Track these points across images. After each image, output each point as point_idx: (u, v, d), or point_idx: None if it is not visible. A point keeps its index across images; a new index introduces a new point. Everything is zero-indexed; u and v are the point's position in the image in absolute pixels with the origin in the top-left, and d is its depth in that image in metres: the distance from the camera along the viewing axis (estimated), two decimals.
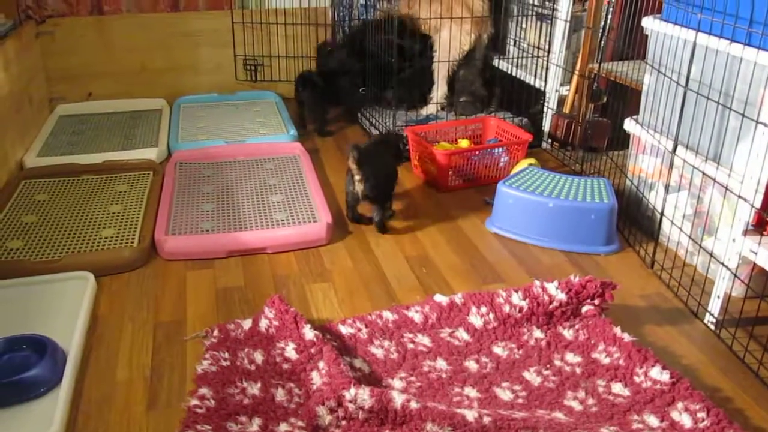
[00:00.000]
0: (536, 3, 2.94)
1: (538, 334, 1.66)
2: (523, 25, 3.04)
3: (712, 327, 1.73)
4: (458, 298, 1.74)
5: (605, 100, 2.74)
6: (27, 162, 2.62)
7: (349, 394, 1.37)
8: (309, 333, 1.61)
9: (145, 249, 2.03)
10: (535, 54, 2.92)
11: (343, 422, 1.35)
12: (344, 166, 2.76)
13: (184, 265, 2.01)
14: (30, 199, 2.34)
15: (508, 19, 3.18)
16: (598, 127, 2.75)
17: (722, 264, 1.71)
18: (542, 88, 2.89)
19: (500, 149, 2.59)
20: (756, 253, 1.61)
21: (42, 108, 3.11)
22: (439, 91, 3.04)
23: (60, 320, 1.69)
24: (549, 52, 2.82)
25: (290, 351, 1.58)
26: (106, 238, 2.10)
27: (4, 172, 2.46)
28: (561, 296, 1.70)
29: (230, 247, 2.06)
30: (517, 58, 3.07)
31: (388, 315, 1.72)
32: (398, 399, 1.37)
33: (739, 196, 1.66)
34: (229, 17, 3.40)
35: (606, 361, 1.57)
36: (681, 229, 1.99)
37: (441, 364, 1.56)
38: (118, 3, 3.34)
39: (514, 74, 3.08)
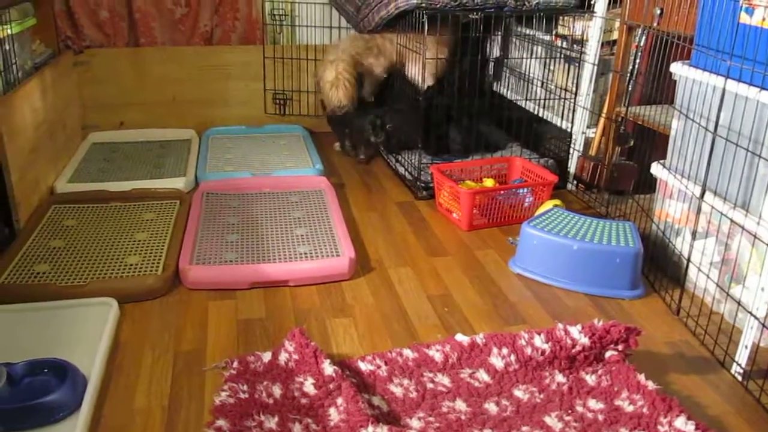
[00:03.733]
0: (564, 46, 2.96)
1: (560, 378, 1.64)
2: (551, 67, 3.06)
3: (739, 377, 1.69)
4: (479, 339, 1.73)
5: (632, 143, 2.74)
6: (58, 187, 2.68)
7: None
8: (328, 368, 1.60)
9: (168, 277, 2.05)
10: (563, 96, 2.93)
11: None
12: (369, 202, 2.78)
13: (206, 295, 2.02)
14: (59, 224, 2.38)
15: (535, 60, 3.20)
16: (625, 171, 2.73)
17: (750, 313, 1.68)
18: (569, 130, 2.89)
19: (525, 189, 2.59)
20: None
21: (75, 135, 3.17)
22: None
23: (82, 345, 1.70)
24: (576, 94, 2.83)
25: (309, 386, 1.57)
26: (131, 265, 2.12)
27: (36, 197, 2.51)
28: (584, 340, 1.67)
29: (253, 279, 2.07)
30: (545, 99, 3.09)
31: (408, 353, 1.71)
32: None
33: None
34: (261, 52, 3.46)
35: (629, 408, 1.53)
36: (708, 276, 1.96)
37: (460, 405, 1.54)
38: (153, 36, 3.42)
39: (541, 115, 3.09)
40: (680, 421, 1.46)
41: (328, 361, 1.62)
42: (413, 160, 2.86)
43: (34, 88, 2.60)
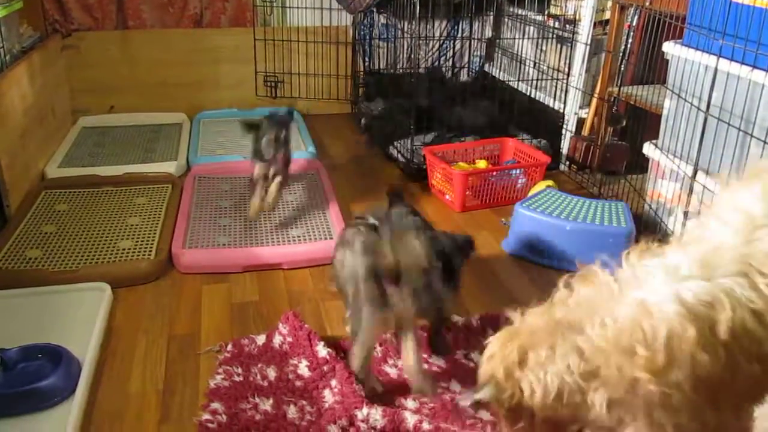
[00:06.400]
0: (557, 26, 2.95)
1: None
2: (543, 48, 3.05)
3: None
4: (474, 320, 1.73)
5: (624, 123, 2.74)
6: (48, 172, 2.66)
7: (362, 413, 1.37)
8: (322, 350, 1.60)
9: (161, 262, 2.04)
10: (555, 76, 2.92)
11: None
12: (362, 184, 2.77)
13: (200, 279, 2.02)
14: (50, 209, 2.37)
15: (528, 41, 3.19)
16: (617, 151, 2.74)
17: None
18: (561, 110, 2.89)
19: (518, 171, 2.58)
20: None
21: (65, 119, 3.15)
22: None
23: (76, 330, 1.70)
24: (569, 74, 2.82)
25: (303, 368, 1.58)
26: (123, 249, 2.11)
27: (26, 182, 2.49)
28: None
29: (246, 262, 2.07)
30: (537, 80, 3.08)
31: None
32: (411, 420, 1.36)
33: None
34: (251, 34, 3.43)
35: None
36: None
37: (455, 386, 1.55)
38: (142, 18, 3.39)
39: (533, 96, 3.08)
40: None
41: (322, 343, 1.63)
42: (406, 143, 2.85)
43: (23, 72, 2.57)
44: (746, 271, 0.96)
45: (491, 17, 3.51)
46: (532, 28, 3.12)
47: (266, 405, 1.46)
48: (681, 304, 0.93)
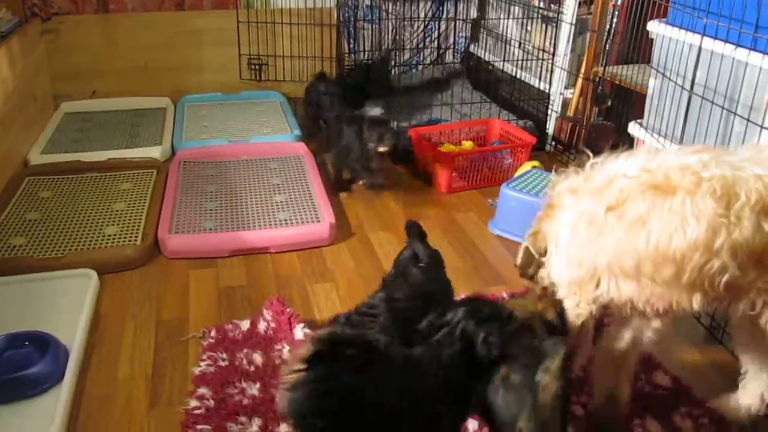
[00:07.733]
0: (542, 5, 2.94)
1: None
2: (528, 28, 3.04)
3: (714, 332, 1.72)
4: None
5: (609, 103, 2.74)
6: (31, 159, 2.63)
7: None
8: (299, 333, 1.61)
9: (148, 247, 2.03)
10: (540, 57, 2.91)
11: None
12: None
13: (186, 264, 2.01)
14: (34, 196, 2.35)
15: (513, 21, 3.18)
16: (603, 131, 2.74)
17: None
18: (547, 91, 2.89)
19: (504, 151, 2.59)
20: None
21: (46, 105, 3.11)
22: None
23: (62, 317, 1.69)
24: (554, 54, 2.82)
25: (287, 352, 1.58)
26: (109, 235, 2.10)
27: (9, 169, 2.46)
28: None
29: (233, 246, 2.06)
30: (522, 60, 3.07)
31: None
32: None
33: None
34: (234, 16, 3.39)
35: None
36: None
37: None
38: (123, 1, 3.34)
39: (518, 76, 3.08)
40: (657, 375, 1.50)
41: (301, 325, 1.63)
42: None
43: (2, 58, 2.53)
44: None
45: None
46: (517, 8, 3.11)
47: (254, 389, 1.47)
48: None
